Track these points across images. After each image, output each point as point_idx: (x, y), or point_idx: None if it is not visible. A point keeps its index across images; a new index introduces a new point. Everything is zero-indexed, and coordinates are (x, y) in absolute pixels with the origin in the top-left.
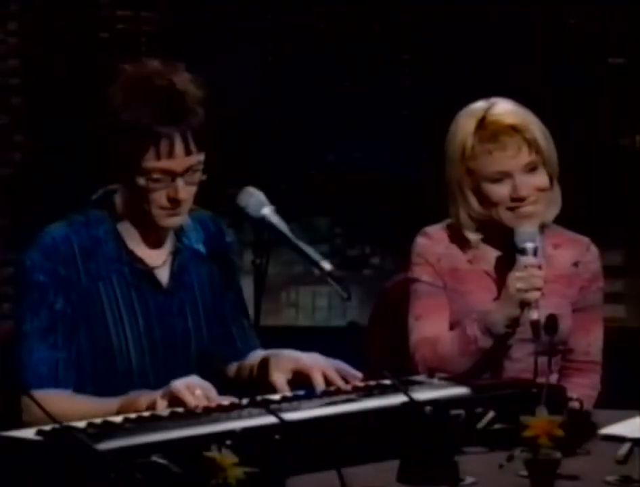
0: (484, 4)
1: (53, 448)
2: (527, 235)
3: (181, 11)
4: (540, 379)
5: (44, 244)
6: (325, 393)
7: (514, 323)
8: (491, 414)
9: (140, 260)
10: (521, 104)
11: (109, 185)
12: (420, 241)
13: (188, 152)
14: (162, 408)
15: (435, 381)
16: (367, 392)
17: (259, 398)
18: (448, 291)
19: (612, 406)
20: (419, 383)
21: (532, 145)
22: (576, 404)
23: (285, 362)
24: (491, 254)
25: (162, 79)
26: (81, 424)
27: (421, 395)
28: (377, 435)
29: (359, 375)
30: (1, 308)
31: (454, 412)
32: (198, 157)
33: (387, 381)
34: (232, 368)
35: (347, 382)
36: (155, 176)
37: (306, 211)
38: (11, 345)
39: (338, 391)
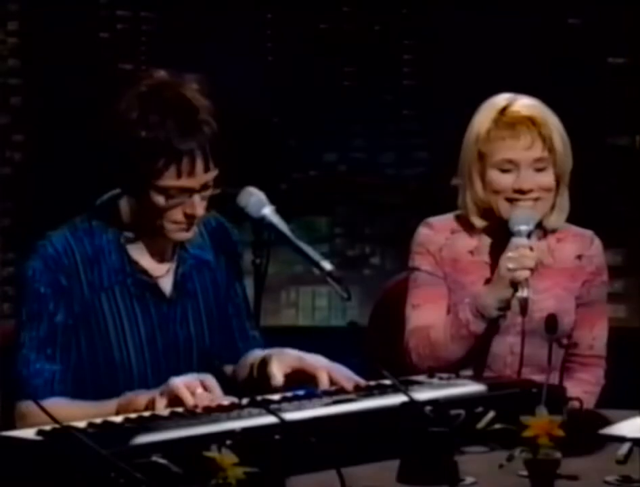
0: (484, 4)
1: (53, 448)
2: (521, 217)
3: (181, 11)
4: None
5: (46, 254)
6: (325, 393)
7: (506, 305)
8: (491, 414)
9: (144, 271)
10: None
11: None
12: (422, 230)
13: (207, 169)
14: (161, 406)
15: (435, 381)
16: (367, 392)
17: (259, 398)
18: (449, 282)
19: (612, 406)
20: (419, 383)
21: (546, 141)
22: (575, 404)
23: (287, 358)
24: (492, 246)
25: (174, 92)
26: (81, 424)
27: (421, 395)
28: (377, 435)
29: (361, 381)
30: (1, 308)
31: (454, 412)
32: (214, 174)
33: (387, 381)
34: (229, 369)
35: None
36: (173, 193)
37: (306, 211)
38: (10, 345)
39: (338, 391)
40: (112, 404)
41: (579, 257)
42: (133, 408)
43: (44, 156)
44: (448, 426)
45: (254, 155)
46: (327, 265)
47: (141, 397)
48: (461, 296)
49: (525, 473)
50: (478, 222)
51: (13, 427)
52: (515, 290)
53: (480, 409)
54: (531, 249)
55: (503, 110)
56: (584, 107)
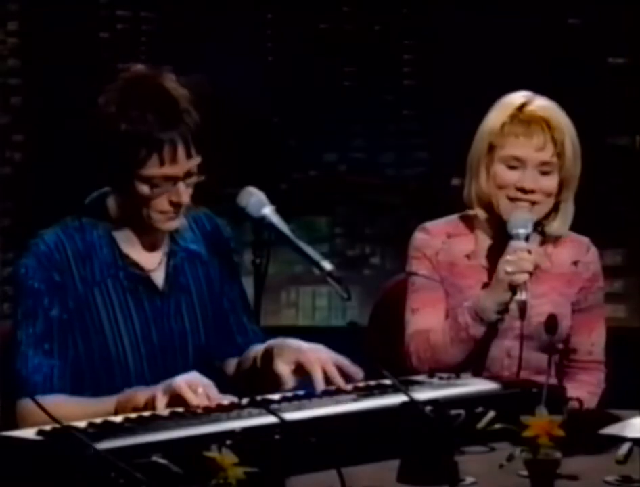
0: (484, 4)
1: (53, 448)
2: (519, 221)
3: (181, 11)
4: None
5: (38, 251)
6: (325, 393)
7: (505, 308)
8: (491, 414)
9: (135, 264)
10: None
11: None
12: (418, 235)
13: (189, 155)
14: (162, 405)
15: (435, 381)
16: (367, 392)
17: (259, 398)
18: (446, 286)
19: (612, 406)
20: (419, 383)
21: (557, 145)
22: (575, 404)
23: (288, 352)
24: (489, 250)
25: (152, 84)
26: (81, 424)
27: (421, 395)
28: (377, 435)
29: (360, 373)
30: (1, 308)
31: (454, 412)
32: (197, 161)
33: (387, 381)
34: (232, 363)
35: (348, 379)
36: (157, 182)
37: (306, 211)
38: (11, 343)
39: (338, 391)
40: (112, 401)
41: (575, 263)
42: (133, 405)
43: (44, 156)
44: (448, 426)
45: (254, 155)
46: (327, 265)
47: (140, 394)
48: (458, 300)
49: (525, 473)
50: (481, 214)
51: (13, 427)
52: (514, 293)
53: (480, 409)
54: (529, 252)
55: (521, 107)
56: (584, 107)
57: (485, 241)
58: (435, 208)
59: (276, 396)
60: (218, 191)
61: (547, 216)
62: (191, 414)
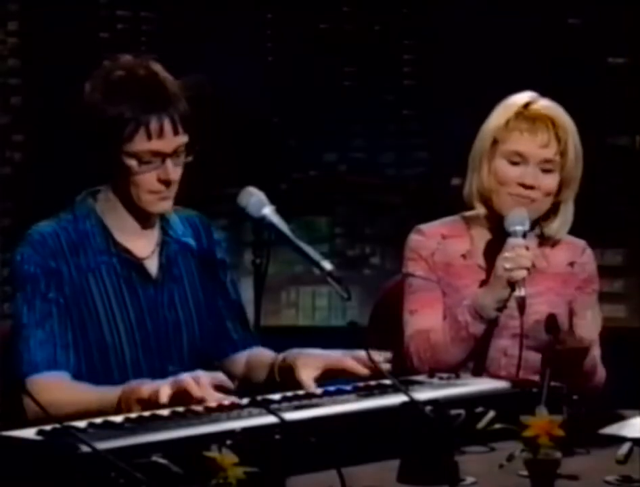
0: (484, 4)
1: (53, 448)
2: (517, 218)
3: (181, 11)
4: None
5: (33, 239)
6: (325, 393)
7: (504, 305)
8: (491, 414)
9: (128, 251)
10: None
11: (97, 178)
12: (414, 237)
13: (176, 132)
14: (166, 396)
15: (435, 381)
16: (367, 392)
17: (259, 397)
18: (443, 286)
19: (612, 406)
20: (419, 383)
21: (560, 143)
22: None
23: (313, 360)
24: (485, 249)
25: (140, 70)
26: (81, 424)
27: (421, 395)
28: (377, 435)
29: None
30: (1, 308)
31: (454, 412)
32: (184, 139)
33: (387, 381)
34: (230, 363)
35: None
36: (146, 158)
37: (306, 211)
38: (11, 343)
39: (338, 391)
40: (116, 390)
41: (571, 264)
42: (136, 397)
43: (44, 156)
44: (448, 426)
45: (254, 155)
46: (327, 265)
47: (144, 387)
48: (455, 299)
49: (525, 473)
50: (480, 210)
51: (13, 427)
52: (513, 289)
53: (480, 409)
54: (527, 248)
55: (526, 105)
56: (584, 107)
57: (480, 241)
58: (435, 208)
59: (276, 396)
60: (218, 191)
61: (546, 218)
62: (191, 414)
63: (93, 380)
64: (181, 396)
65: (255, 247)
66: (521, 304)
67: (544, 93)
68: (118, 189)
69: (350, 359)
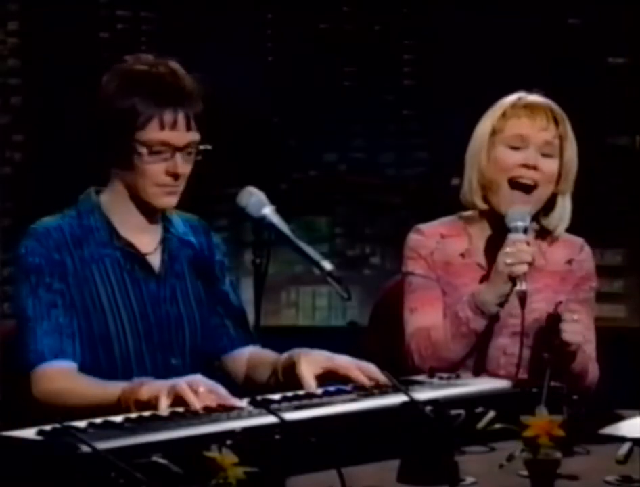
0: (484, 4)
1: (53, 448)
2: (517, 214)
3: (181, 11)
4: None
5: (37, 233)
6: (326, 393)
7: (505, 300)
8: (491, 414)
9: (132, 245)
10: None
11: (108, 168)
12: (413, 236)
13: (189, 127)
14: (165, 406)
15: (435, 381)
16: (367, 392)
17: (259, 398)
18: (442, 285)
19: (612, 406)
20: (419, 383)
21: (559, 127)
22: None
23: (316, 359)
24: (484, 248)
25: (160, 66)
26: (81, 424)
27: (421, 395)
28: (377, 435)
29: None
30: (1, 308)
31: (454, 412)
32: (196, 136)
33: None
34: (237, 363)
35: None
36: (156, 148)
37: (306, 211)
38: (11, 343)
39: (338, 391)
40: (117, 388)
41: (569, 262)
42: (135, 398)
43: (44, 156)
44: (448, 426)
45: (254, 155)
46: (327, 265)
47: (144, 389)
48: (454, 298)
49: (525, 473)
50: (480, 203)
51: (13, 427)
52: (514, 284)
53: (480, 409)
54: (528, 244)
55: (521, 98)
56: (584, 107)
57: (479, 240)
58: (435, 208)
59: (276, 396)
60: (218, 191)
61: (545, 212)
62: (191, 414)
63: (97, 370)
64: (179, 403)
65: (255, 247)
66: (523, 298)
67: (544, 93)
68: (125, 182)
69: (355, 369)
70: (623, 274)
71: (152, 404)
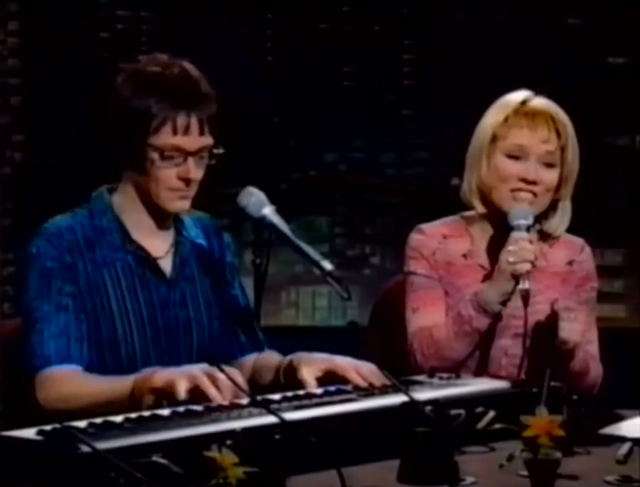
0: (484, 4)
1: (53, 448)
2: (520, 212)
3: (181, 11)
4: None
5: (50, 233)
6: (326, 393)
7: (508, 298)
8: (491, 414)
9: (144, 249)
10: None
11: (120, 169)
12: (415, 236)
13: (202, 132)
14: (183, 390)
15: (435, 381)
16: (367, 392)
17: (259, 397)
18: (444, 285)
19: (612, 406)
20: (419, 383)
21: (560, 138)
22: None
23: (316, 361)
24: (486, 249)
25: (174, 68)
26: (81, 424)
27: (421, 395)
28: (377, 435)
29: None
30: (1, 308)
31: (454, 412)
32: (209, 140)
33: (387, 381)
34: (244, 369)
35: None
36: (168, 153)
37: (306, 211)
38: (11, 343)
39: (338, 391)
40: (128, 380)
41: (570, 263)
42: (150, 386)
43: (44, 156)
44: (448, 426)
45: (254, 155)
46: (327, 265)
47: (158, 376)
48: (456, 299)
49: (525, 473)
50: (479, 207)
51: (13, 427)
52: (517, 283)
53: (480, 409)
54: (530, 242)
55: (524, 102)
56: (584, 107)
57: (481, 241)
58: (435, 208)
59: (276, 396)
60: (218, 191)
61: (546, 216)
62: (191, 414)
63: (103, 373)
64: (196, 392)
65: (255, 247)
66: (526, 296)
67: (544, 93)
68: (138, 185)
69: (352, 370)
70: (623, 274)
71: (167, 391)
